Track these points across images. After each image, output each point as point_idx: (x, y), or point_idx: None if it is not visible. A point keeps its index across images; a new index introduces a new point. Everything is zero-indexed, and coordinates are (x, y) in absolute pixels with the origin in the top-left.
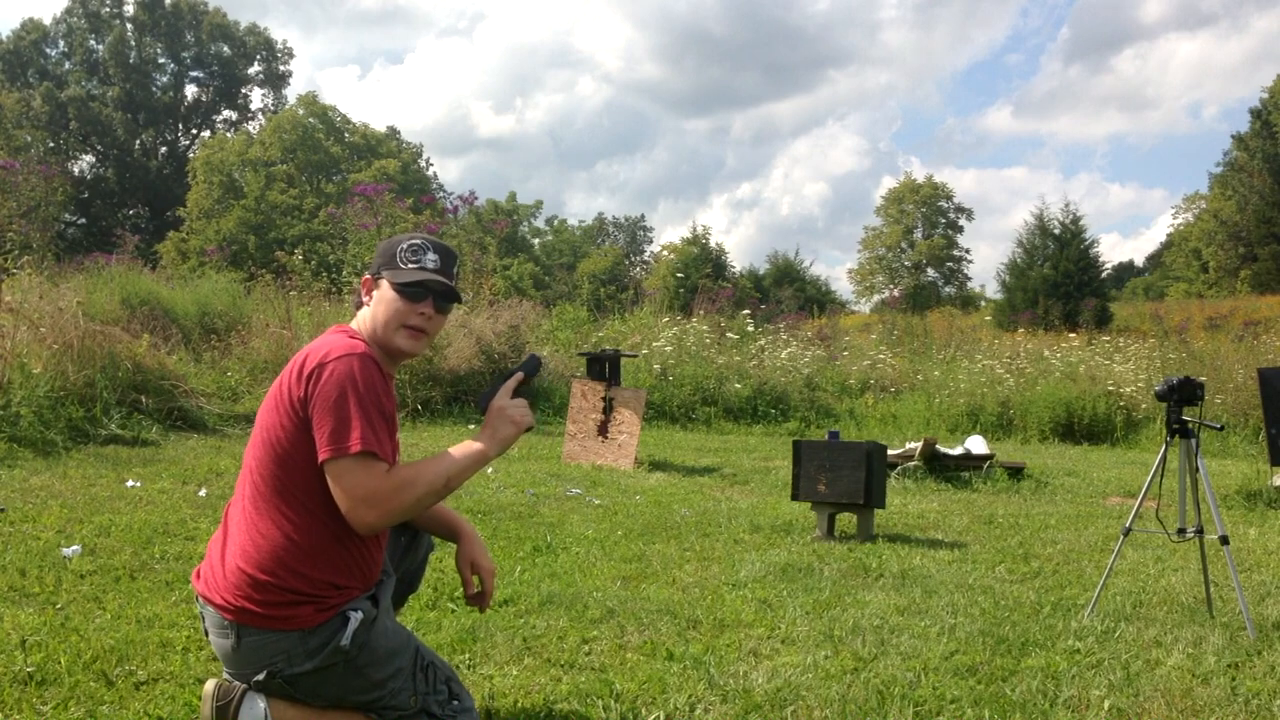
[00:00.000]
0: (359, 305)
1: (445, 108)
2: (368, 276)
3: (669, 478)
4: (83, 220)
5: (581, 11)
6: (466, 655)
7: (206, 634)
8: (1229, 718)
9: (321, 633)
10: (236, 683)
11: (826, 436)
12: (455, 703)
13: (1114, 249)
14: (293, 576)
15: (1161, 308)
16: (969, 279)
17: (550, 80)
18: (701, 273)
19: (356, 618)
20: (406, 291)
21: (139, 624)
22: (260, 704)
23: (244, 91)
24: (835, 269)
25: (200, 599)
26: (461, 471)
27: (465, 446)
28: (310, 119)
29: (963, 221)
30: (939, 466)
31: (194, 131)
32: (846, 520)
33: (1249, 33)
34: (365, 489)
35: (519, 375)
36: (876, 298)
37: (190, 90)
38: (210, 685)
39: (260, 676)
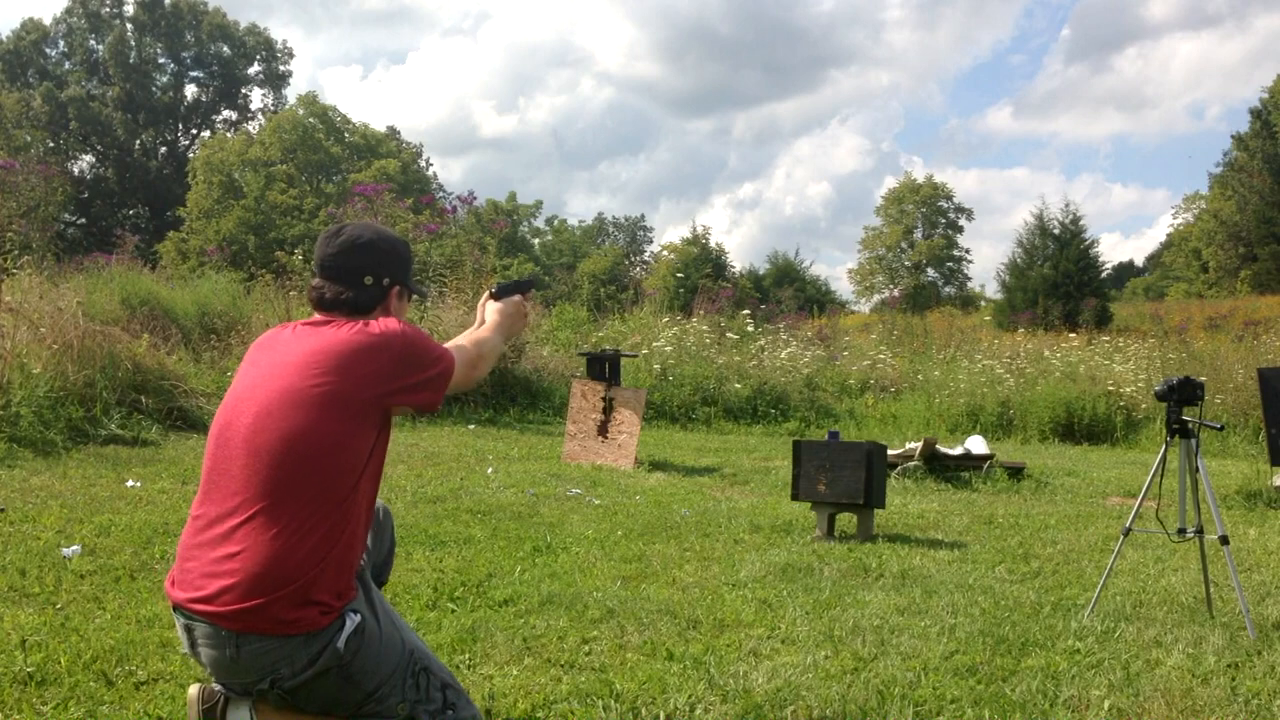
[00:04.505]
0: (367, 308)
1: (448, 107)
2: (400, 287)
3: (669, 478)
4: (83, 220)
5: (584, 11)
6: (466, 655)
7: (193, 646)
8: (1229, 718)
9: (323, 636)
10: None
11: (826, 436)
12: (450, 712)
13: (1115, 249)
14: (301, 588)
15: (1161, 308)
16: (969, 279)
17: (553, 80)
18: (701, 273)
19: (354, 620)
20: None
21: (139, 624)
22: (245, 708)
23: (244, 91)
24: (835, 269)
25: (184, 609)
26: (493, 349)
27: (485, 330)
28: (310, 119)
29: (963, 221)
30: (939, 466)
31: (194, 131)
32: (846, 520)
33: (1250, 32)
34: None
35: (530, 288)
36: (876, 298)
37: (190, 90)
38: (194, 690)
39: (264, 685)
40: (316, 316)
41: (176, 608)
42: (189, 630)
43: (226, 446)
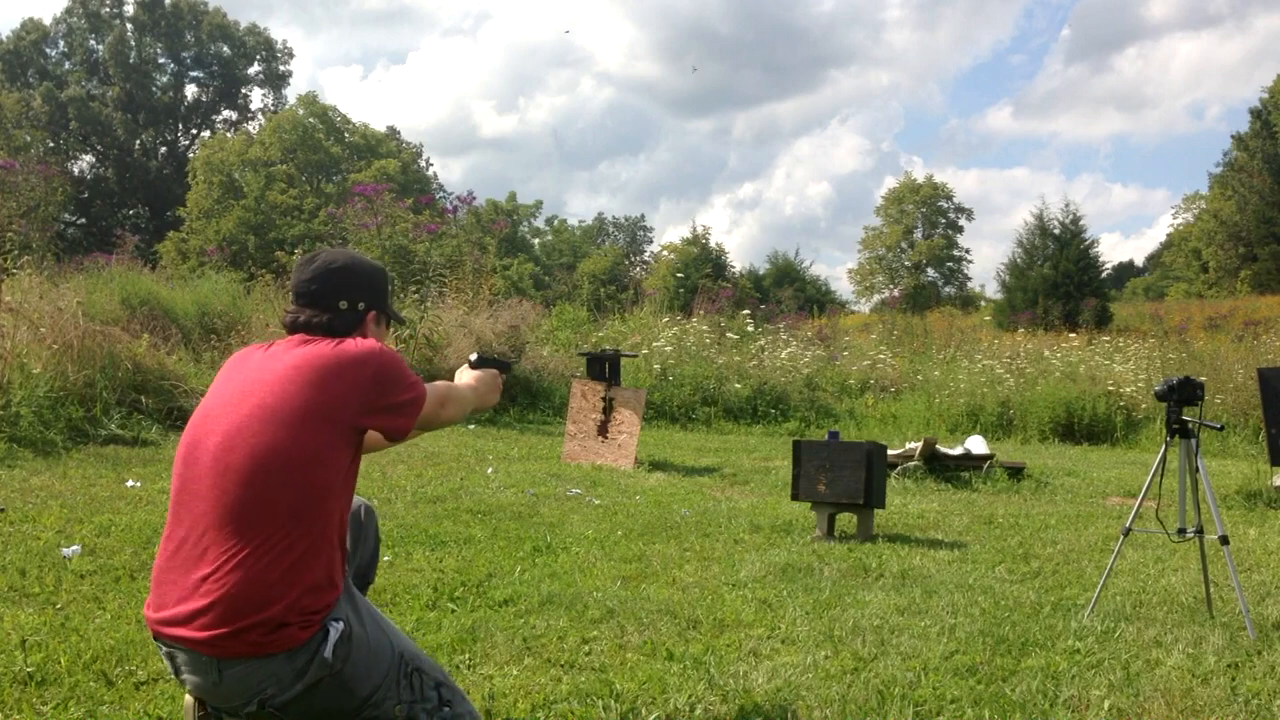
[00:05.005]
0: (342, 333)
1: (448, 107)
2: (377, 313)
3: (669, 478)
4: (83, 220)
5: (584, 11)
6: (466, 655)
7: (178, 673)
8: (1229, 718)
9: (306, 650)
10: None
11: (826, 436)
12: (446, 709)
13: (1115, 249)
14: (278, 612)
15: (1161, 308)
16: (969, 279)
17: (553, 80)
18: (701, 273)
19: (338, 629)
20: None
21: (139, 624)
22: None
23: (244, 91)
24: (835, 269)
25: (164, 637)
26: (463, 399)
27: (459, 384)
28: (310, 119)
29: (963, 221)
30: (939, 466)
31: (194, 131)
32: (846, 520)
33: (1250, 32)
34: (435, 399)
35: (508, 369)
36: (876, 298)
37: (190, 90)
38: (190, 700)
39: (251, 708)
40: (292, 338)
41: (157, 636)
42: (172, 657)
43: (195, 465)
